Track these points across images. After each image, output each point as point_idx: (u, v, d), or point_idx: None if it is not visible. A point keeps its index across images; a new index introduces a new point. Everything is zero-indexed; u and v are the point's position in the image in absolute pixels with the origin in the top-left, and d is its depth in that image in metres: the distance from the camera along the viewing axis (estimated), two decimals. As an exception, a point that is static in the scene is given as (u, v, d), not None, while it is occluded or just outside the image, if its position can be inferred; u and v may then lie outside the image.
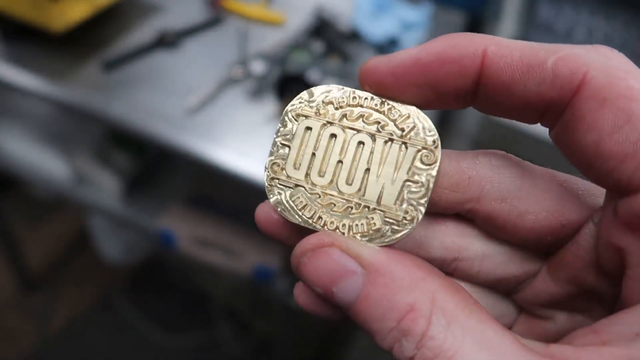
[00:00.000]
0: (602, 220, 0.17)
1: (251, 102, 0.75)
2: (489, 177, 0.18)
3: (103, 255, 1.22)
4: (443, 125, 0.88)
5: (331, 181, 0.18)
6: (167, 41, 0.81)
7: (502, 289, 0.20)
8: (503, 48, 0.16)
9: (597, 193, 0.18)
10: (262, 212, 0.19)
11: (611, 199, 0.16)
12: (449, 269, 0.20)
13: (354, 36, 0.86)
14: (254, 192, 0.63)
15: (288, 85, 0.71)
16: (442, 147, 0.18)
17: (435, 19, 0.94)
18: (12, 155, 0.96)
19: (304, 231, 0.18)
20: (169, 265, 1.34)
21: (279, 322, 1.18)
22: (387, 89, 0.18)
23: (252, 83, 0.76)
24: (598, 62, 0.15)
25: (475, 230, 0.20)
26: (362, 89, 0.18)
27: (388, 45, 0.85)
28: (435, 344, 0.14)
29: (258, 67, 0.77)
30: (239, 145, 0.70)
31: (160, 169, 1.01)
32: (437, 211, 0.19)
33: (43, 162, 0.96)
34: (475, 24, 1.02)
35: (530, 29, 0.72)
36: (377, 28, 0.86)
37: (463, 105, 0.18)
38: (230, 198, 0.97)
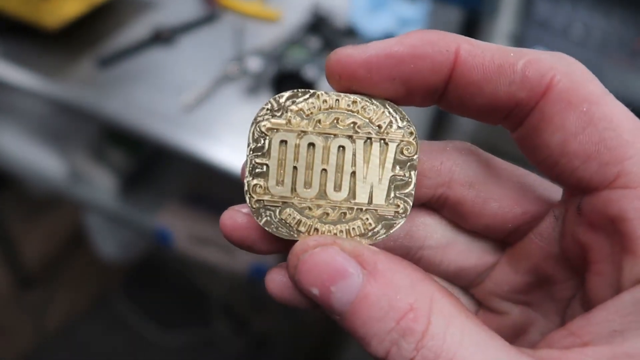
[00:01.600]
0: (565, 217, 0.18)
1: (247, 99, 0.75)
2: (458, 163, 0.19)
3: (99, 253, 1.22)
4: (441, 122, 0.87)
5: (319, 191, 0.18)
6: (163, 38, 0.80)
7: (463, 281, 0.21)
8: (476, 48, 0.16)
9: (553, 189, 0.19)
10: (228, 218, 0.19)
11: (573, 197, 0.17)
12: (414, 258, 0.21)
13: (351, 32, 0.86)
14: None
15: (284, 81, 0.71)
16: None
17: (432, 15, 0.94)
18: (8, 153, 0.95)
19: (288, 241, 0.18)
20: (166, 263, 1.34)
21: (276, 319, 1.18)
22: (358, 81, 0.17)
23: (248, 80, 0.76)
24: (562, 67, 0.16)
25: (440, 220, 0.21)
26: (330, 78, 0.18)
27: (385, 42, 0.85)
28: (436, 343, 0.14)
29: (254, 63, 0.77)
30: (235, 142, 0.69)
31: (156, 167, 1.01)
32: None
33: (39, 159, 0.95)
34: (473, 20, 1.01)
35: (527, 25, 0.72)
36: (373, 24, 0.86)
37: (430, 102, 0.18)
38: (226, 195, 0.97)
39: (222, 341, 1.22)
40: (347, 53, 0.17)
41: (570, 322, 0.16)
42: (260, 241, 0.19)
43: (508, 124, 0.17)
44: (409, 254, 0.21)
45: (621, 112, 0.16)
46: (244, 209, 0.19)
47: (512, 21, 0.76)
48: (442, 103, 0.18)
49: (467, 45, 0.16)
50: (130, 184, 0.95)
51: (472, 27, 1.01)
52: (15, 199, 1.39)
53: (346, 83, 0.17)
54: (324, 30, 0.84)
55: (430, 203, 0.20)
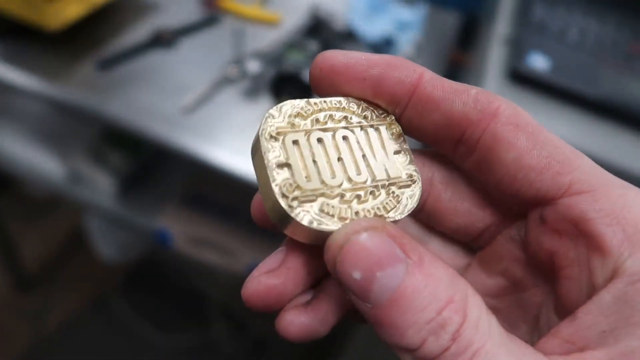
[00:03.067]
0: (529, 230, 0.19)
1: (247, 102, 0.75)
2: (437, 164, 0.21)
3: (98, 254, 1.22)
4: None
5: (344, 178, 0.18)
6: (163, 40, 0.81)
7: None
8: (435, 76, 0.19)
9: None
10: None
11: (535, 209, 0.18)
12: None
13: (350, 36, 0.87)
14: (249, 191, 0.63)
15: (283, 84, 0.72)
16: None
17: (430, 19, 0.94)
18: (7, 154, 0.96)
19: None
20: (165, 265, 1.34)
21: (274, 322, 1.18)
22: (335, 75, 0.19)
23: (248, 82, 0.77)
24: (506, 101, 0.18)
25: (414, 222, 0.22)
26: (312, 71, 0.20)
27: (383, 45, 0.86)
28: (470, 333, 0.15)
29: (254, 66, 0.77)
30: (235, 144, 0.70)
31: (155, 168, 1.01)
32: None
33: (38, 161, 0.96)
34: (470, 24, 1.02)
35: (523, 29, 0.73)
36: (372, 28, 0.86)
37: (392, 112, 0.20)
38: (225, 197, 0.97)
39: (221, 343, 1.22)
40: (333, 53, 0.19)
41: (556, 329, 0.17)
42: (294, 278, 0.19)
43: (461, 150, 0.19)
44: None
45: (559, 139, 0.18)
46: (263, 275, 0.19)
47: (509, 25, 0.76)
48: (402, 119, 0.20)
49: (428, 73, 0.19)
50: (129, 186, 0.95)
51: (469, 30, 1.02)
52: (15, 201, 1.39)
53: (325, 74, 0.19)
54: (323, 34, 0.85)
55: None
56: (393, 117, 0.20)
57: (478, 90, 0.18)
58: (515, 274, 0.20)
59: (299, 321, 0.19)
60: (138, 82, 0.75)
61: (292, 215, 0.17)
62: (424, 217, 0.22)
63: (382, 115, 0.20)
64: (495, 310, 0.20)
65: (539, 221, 0.18)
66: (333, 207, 0.18)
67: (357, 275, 0.15)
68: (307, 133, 0.19)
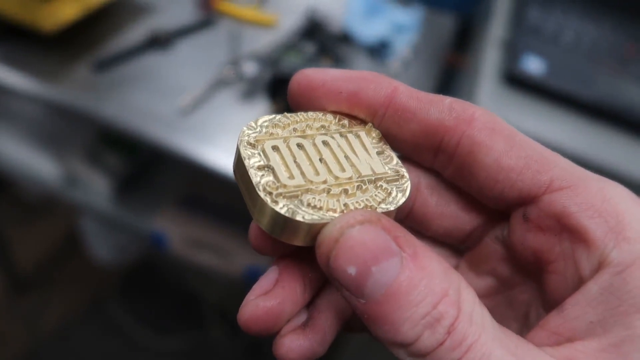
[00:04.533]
0: (512, 230, 0.19)
1: (243, 103, 0.75)
2: (422, 170, 0.21)
3: (94, 257, 1.22)
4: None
5: (329, 175, 0.18)
6: (159, 42, 0.81)
7: None
8: (410, 88, 0.20)
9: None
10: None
11: (517, 209, 0.19)
12: None
13: (346, 38, 0.87)
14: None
15: (280, 86, 0.72)
16: None
17: (426, 22, 0.95)
18: (2, 156, 0.95)
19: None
20: (161, 267, 1.34)
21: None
22: (312, 89, 0.20)
23: (244, 84, 0.77)
24: (480, 108, 0.19)
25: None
26: (291, 87, 0.20)
27: (379, 48, 0.86)
28: (464, 326, 0.15)
29: (250, 68, 0.77)
30: (231, 146, 0.70)
31: (152, 170, 1.01)
32: None
33: (34, 163, 0.95)
34: (465, 26, 1.03)
35: (519, 31, 0.73)
36: (368, 30, 0.87)
37: (369, 120, 0.20)
38: (222, 199, 0.97)
39: (217, 346, 1.22)
40: (311, 70, 0.20)
41: (544, 322, 0.17)
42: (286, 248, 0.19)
43: (441, 158, 0.20)
44: None
45: (534, 141, 0.18)
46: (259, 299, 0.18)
47: (504, 27, 0.77)
48: (380, 130, 0.20)
49: (405, 85, 0.20)
50: (125, 188, 0.95)
51: (464, 32, 1.03)
52: (10, 202, 1.38)
53: (303, 90, 0.20)
54: (319, 36, 0.85)
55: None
56: (371, 124, 0.20)
57: (452, 99, 0.19)
58: (503, 273, 0.20)
59: (298, 345, 0.18)
60: (134, 84, 0.75)
61: (279, 210, 0.17)
62: (411, 222, 0.22)
63: (360, 123, 0.20)
64: (489, 310, 0.21)
65: (522, 220, 0.19)
66: (320, 200, 0.17)
67: (352, 270, 0.15)
68: (286, 140, 0.19)
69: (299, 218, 0.17)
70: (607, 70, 0.70)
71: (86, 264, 1.28)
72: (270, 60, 0.79)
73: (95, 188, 0.93)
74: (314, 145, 0.19)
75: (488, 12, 0.84)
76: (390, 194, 0.18)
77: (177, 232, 0.91)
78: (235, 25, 0.87)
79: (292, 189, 0.17)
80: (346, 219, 0.16)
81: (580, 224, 0.17)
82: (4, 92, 0.92)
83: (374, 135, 0.20)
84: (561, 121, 0.65)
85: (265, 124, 0.19)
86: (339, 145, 0.19)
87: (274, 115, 0.20)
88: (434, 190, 0.21)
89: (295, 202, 0.17)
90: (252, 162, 0.18)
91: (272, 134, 0.19)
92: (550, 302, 0.18)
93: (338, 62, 0.82)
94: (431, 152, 0.20)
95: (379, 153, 0.20)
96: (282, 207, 0.17)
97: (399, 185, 0.19)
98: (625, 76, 0.69)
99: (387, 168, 0.19)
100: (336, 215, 0.17)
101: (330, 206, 0.17)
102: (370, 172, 0.19)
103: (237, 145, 0.18)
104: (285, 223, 0.17)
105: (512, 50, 0.70)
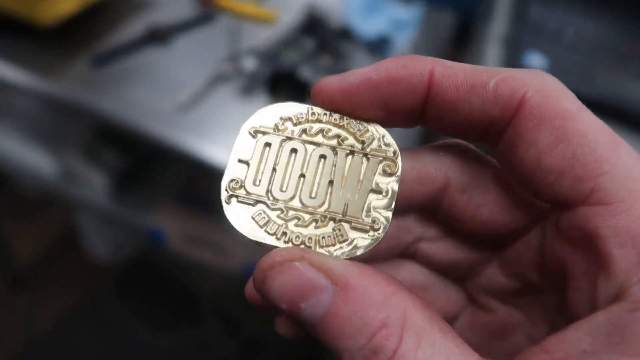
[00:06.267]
0: (545, 233, 0.18)
1: (242, 99, 0.75)
2: (452, 168, 0.20)
3: (91, 253, 1.21)
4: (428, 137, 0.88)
5: (294, 195, 0.18)
6: (158, 37, 0.80)
7: (456, 273, 0.22)
8: (448, 69, 0.17)
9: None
10: (250, 289, 0.19)
11: (553, 213, 0.17)
12: (409, 251, 0.21)
13: (346, 34, 0.86)
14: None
15: (279, 82, 0.71)
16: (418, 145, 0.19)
17: (426, 18, 0.94)
18: (0, 151, 0.95)
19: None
20: (158, 264, 1.34)
21: (268, 320, 1.18)
22: (338, 106, 0.18)
23: (243, 80, 0.76)
24: (535, 84, 0.16)
25: (434, 220, 0.21)
26: (314, 104, 0.19)
27: (379, 44, 0.86)
28: (407, 358, 0.14)
29: (249, 64, 0.77)
30: (230, 142, 0.68)
31: (150, 166, 1.00)
32: (409, 207, 0.20)
33: (31, 158, 0.95)
34: (466, 23, 1.02)
35: (520, 28, 0.73)
36: (368, 26, 0.86)
37: (413, 123, 0.19)
38: (220, 195, 0.97)
39: (215, 342, 1.22)
40: (328, 81, 0.18)
41: (545, 341, 0.16)
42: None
43: (487, 142, 0.18)
44: (404, 246, 0.21)
45: (597, 128, 0.16)
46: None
47: (506, 24, 0.76)
48: (423, 123, 0.19)
49: (440, 68, 0.17)
50: (123, 184, 0.95)
51: (465, 30, 1.02)
52: (6, 199, 1.37)
53: (328, 107, 0.18)
54: (319, 32, 0.84)
55: (425, 208, 0.20)
56: (398, 153, 0.18)
57: (499, 79, 0.16)
58: (531, 278, 0.19)
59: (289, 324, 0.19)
60: (133, 79, 0.74)
61: (225, 209, 0.17)
62: (443, 218, 0.21)
63: (388, 145, 0.18)
64: (514, 305, 0.20)
65: (555, 227, 0.17)
66: (265, 218, 0.17)
67: (284, 306, 0.15)
68: (286, 140, 0.18)
69: (235, 225, 0.17)
70: (608, 67, 0.70)
71: (83, 260, 1.27)
72: (269, 56, 0.78)
73: (93, 184, 0.93)
74: (308, 156, 0.18)
75: (489, 9, 0.83)
76: (343, 241, 0.17)
77: (175, 229, 0.91)
78: (235, 21, 0.87)
79: (250, 196, 0.18)
80: (267, 260, 0.16)
81: (606, 249, 0.15)
82: (1, 87, 0.91)
83: (389, 169, 0.18)
84: (562, 118, 0.65)
85: (281, 113, 0.19)
86: (333, 165, 0.18)
87: (297, 106, 0.19)
88: (465, 192, 0.19)
89: (244, 208, 0.18)
90: (239, 148, 0.18)
91: (278, 127, 0.18)
92: (569, 317, 0.17)
93: (338, 58, 0.82)
94: (479, 136, 0.18)
95: (375, 190, 0.18)
96: (230, 208, 0.18)
97: (363, 236, 0.17)
98: (625, 74, 0.69)
99: (366, 212, 0.17)
100: (268, 238, 0.17)
101: (270, 229, 0.17)
102: (340, 211, 0.17)
103: (245, 123, 0.19)
104: (229, 221, 0.18)
105: (514, 47, 0.69)
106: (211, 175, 0.69)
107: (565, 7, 0.77)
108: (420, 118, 0.18)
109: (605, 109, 0.65)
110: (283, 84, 0.71)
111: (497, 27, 0.76)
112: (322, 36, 0.84)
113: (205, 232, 0.92)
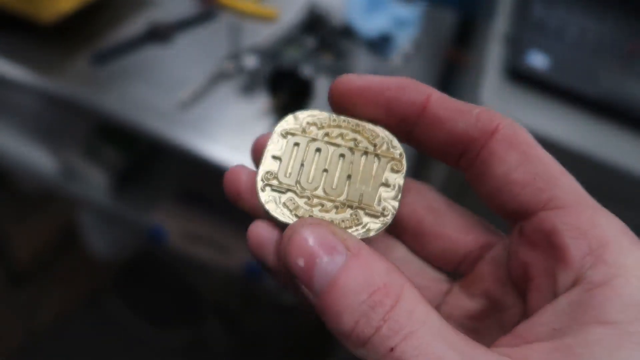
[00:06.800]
0: (510, 243, 0.21)
1: (243, 97, 0.74)
2: (420, 198, 0.23)
3: (91, 251, 1.21)
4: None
5: (318, 186, 0.21)
6: (159, 35, 0.80)
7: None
8: (443, 96, 0.21)
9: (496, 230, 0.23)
10: (254, 231, 0.21)
11: (516, 223, 0.20)
12: None
13: (347, 32, 0.86)
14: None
15: (280, 80, 0.71)
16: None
17: (428, 17, 0.94)
18: (0, 149, 0.94)
19: None
20: (159, 261, 1.34)
21: (269, 319, 1.18)
22: (351, 97, 0.21)
23: (244, 78, 0.76)
24: (507, 120, 0.20)
25: (400, 243, 0.24)
26: (330, 93, 0.22)
27: (381, 42, 0.85)
28: (402, 317, 0.16)
29: (250, 62, 0.77)
30: (231, 140, 0.69)
31: (150, 164, 1.00)
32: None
33: (31, 156, 0.95)
34: (468, 22, 1.02)
35: (522, 27, 0.72)
36: (369, 24, 0.86)
37: (402, 133, 0.22)
38: (221, 193, 0.96)
39: (215, 340, 1.22)
40: (350, 77, 0.21)
41: (514, 329, 0.18)
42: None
43: (463, 163, 0.21)
44: None
45: (549, 157, 0.19)
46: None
47: (508, 23, 0.76)
48: (410, 140, 0.22)
49: (438, 93, 0.21)
50: (123, 181, 0.95)
51: (467, 28, 1.02)
52: (7, 195, 1.37)
53: (342, 98, 0.22)
54: (320, 30, 0.84)
55: (394, 229, 0.24)
56: (403, 155, 0.22)
57: (481, 109, 0.20)
58: (496, 294, 0.21)
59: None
60: (133, 77, 0.74)
61: (259, 195, 0.21)
62: (407, 239, 0.23)
63: (396, 148, 0.22)
64: (476, 331, 0.21)
65: (518, 235, 0.20)
66: (294, 204, 0.21)
67: (300, 262, 0.17)
68: (312, 141, 0.22)
69: (268, 208, 0.21)
70: (611, 66, 0.69)
71: (83, 257, 1.27)
72: (270, 54, 0.78)
73: (93, 182, 0.93)
74: (330, 155, 0.22)
75: (491, 7, 0.83)
76: (359, 224, 0.20)
77: (176, 227, 0.91)
78: (236, 19, 0.87)
79: (282, 185, 0.21)
80: (300, 221, 0.18)
81: (563, 242, 0.18)
82: (1, 84, 0.91)
83: (396, 166, 0.21)
84: (564, 117, 0.65)
85: (307, 119, 0.22)
86: (351, 163, 0.21)
87: (320, 113, 0.22)
88: (431, 211, 0.23)
89: (276, 195, 0.21)
90: (272, 148, 0.22)
91: (305, 130, 0.22)
92: (528, 314, 0.19)
93: (339, 56, 0.81)
94: (456, 157, 0.21)
95: (384, 184, 0.21)
96: (264, 194, 0.21)
97: (374, 221, 0.21)
98: (629, 72, 0.69)
99: (377, 201, 0.21)
100: (300, 217, 0.20)
101: (299, 212, 0.20)
102: (357, 199, 0.21)
103: (276, 127, 0.22)
104: (263, 207, 0.21)
105: (516, 46, 0.69)
106: (212, 172, 0.69)
107: (568, 6, 0.77)
108: (410, 133, 0.21)
109: (608, 108, 0.65)
110: (284, 82, 0.71)
111: (499, 25, 0.76)
112: (323, 34, 0.83)
113: (205, 230, 0.92)
